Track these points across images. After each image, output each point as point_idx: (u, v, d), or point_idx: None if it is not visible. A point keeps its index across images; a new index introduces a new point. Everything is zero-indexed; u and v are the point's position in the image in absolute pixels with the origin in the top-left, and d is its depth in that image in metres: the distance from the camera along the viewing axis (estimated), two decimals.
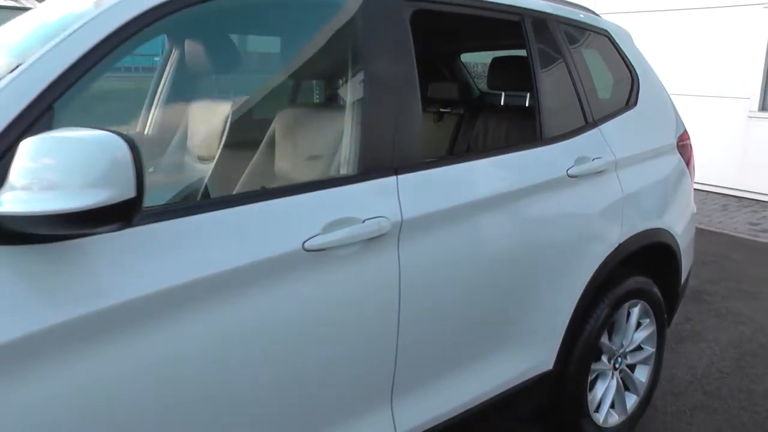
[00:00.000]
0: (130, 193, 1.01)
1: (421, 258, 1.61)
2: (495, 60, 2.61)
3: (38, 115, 1.15)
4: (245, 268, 1.30)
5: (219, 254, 1.29)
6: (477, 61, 5.14)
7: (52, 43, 1.21)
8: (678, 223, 2.58)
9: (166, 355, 1.23)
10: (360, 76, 1.62)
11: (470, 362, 1.85)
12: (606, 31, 2.54)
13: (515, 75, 2.51)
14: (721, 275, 4.55)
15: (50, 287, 1.11)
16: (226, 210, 1.31)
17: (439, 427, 1.78)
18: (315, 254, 1.41)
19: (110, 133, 1.01)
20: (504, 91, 2.89)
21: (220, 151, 1.81)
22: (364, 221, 1.49)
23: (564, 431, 2.36)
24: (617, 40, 2.58)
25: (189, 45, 1.94)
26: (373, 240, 1.51)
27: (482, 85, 3.53)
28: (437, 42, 3.24)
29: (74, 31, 1.23)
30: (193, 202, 1.67)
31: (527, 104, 2.69)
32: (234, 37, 2.06)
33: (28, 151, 1.03)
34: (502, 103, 2.95)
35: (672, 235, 2.51)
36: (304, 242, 1.39)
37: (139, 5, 1.29)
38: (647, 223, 2.39)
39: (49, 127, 1.15)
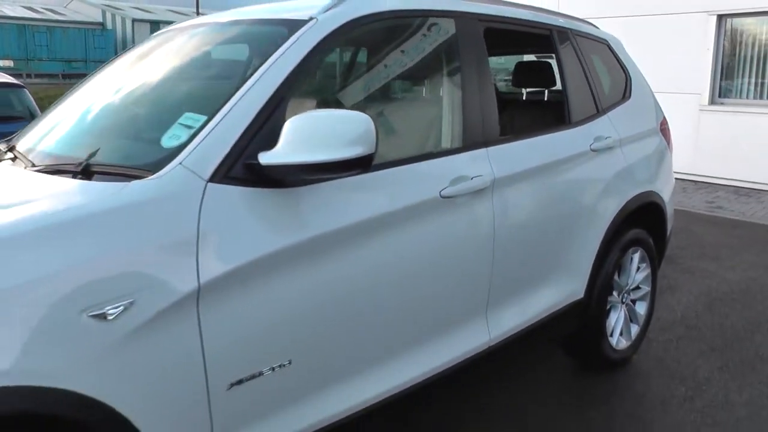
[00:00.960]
0: (372, 150, 1.61)
1: (506, 205, 2.26)
2: (520, 64, 3.28)
3: (279, 101, 1.71)
4: (409, 207, 1.91)
5: (388, 199, 1.89)
6: None
7: (280, 51, 1.78)
8: (664, 188, 3.30)
9: (357, 268, 1.81)
10: (458, 77, 2.25)
11: (534, 287, 2.50)
12: (605, 40, 3.25)
13: (538, 75, 3.18)
14: (687, 242, 5.36)
15: (285, 220, 1.65)
16: (395, 168, 1.91)
17: (514, 336, 2.42)
18: (446, 200, 2.03)
19: (361, 112, 1.61)
20: (527, 88, 3.57)
21: (392, 127, 2.31)
22: (472, 178, 2.12)
23: (587, 352, 3.03)
24: (614, 47, 3.29)
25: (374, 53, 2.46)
26: (478, 192, 2.14)
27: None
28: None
29: (290, 45, 1.80)
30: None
31: (545, 98, 3.36)
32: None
33: (295, 125, 1.59)
34: (524, 98, 3.63)
35: (660, 196, 3.23)
36: (441, 191, 2.01)
37: (333, 22, 1.87)
38: (643, 187, 3.09)
39: (283, 110, 1.71)
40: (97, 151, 1.72)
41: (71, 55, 41.09)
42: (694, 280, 4.46)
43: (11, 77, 6.20)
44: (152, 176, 1.52)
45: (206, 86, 2.01)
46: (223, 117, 1.63)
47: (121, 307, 1.35)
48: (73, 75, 37.35)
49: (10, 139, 2.31)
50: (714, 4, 7.59)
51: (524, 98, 3.64)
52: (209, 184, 1.54)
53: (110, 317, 1.34)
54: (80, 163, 1.64)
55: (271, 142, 1.62)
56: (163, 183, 1.50)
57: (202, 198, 1.52)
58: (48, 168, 1.73)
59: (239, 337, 1.56)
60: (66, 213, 1.38)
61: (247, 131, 1.62)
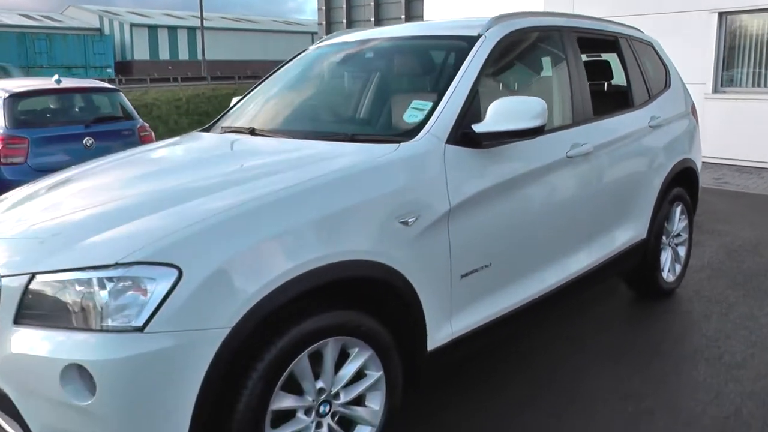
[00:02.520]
0: (545, 121, 2.50)
1: (601, 164, 3.16)
2: (586, 63, 4.18)
3: (476, 92, 2.60)
4: (552, 162, 2.81)
5: (543, 155, 2.78)
6: None
7: (470, 57, 2.66)
8: (696, 157, 4.23)
9: (528, 200, 2.69)
10: (567, 72, 3.15)
11: (616, 227, 3.40)
12: (650, 42, 4.17)
13: (602, 71, 4.07)
14: (702, 210, 6.28)
15: (486, 168, 2.54)
16: (544, 136, 2.76)
17: (605, 262, 3.31)
18: (569, 159, 2.93)
19: (537, 97, 2.49)
20: (593, 81, 4.47)
21: None
22: (582, 145, 3.03)
23: (645, 283, 3.95)
24: (656, 47, 4.21)
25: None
26: (586, 155, 3.05)
27: None
28: None
29: (475, 53, 2.69)
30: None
31: (605, 89, 4.27)
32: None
33: (497, 105, 2.46)
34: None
35: (695, 163, 4.16)
36: (566, 153, 2.92)
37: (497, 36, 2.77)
38: (683, 155, 4.01)
39: (479, 103, 2.60)
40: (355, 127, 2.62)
41: (71, 62, 41.66)
42: (713, 237, 5.40)
43: (105, 83, 7.05)
44: (412, 140, 2.41)
45: (420, 82, 2.91)
46: (447, 102, 2.52)
47: (414, 218, 2.24)
48: None
49: (217, 121, 3.28)
50: (716, 2, 8.56)
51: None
52: (446, 144, 2.43)
53: (409, 224, 2.23)
54: (351, 135, 2.54)
55: (473, 118, 2.52)
56: (421, 144, 2.39)
57: (444, 153, 2.41)
58: (329, 137, 2.62)
59: (465, 243, 2.44)
60: (374, 161, 2.27)
61: (461, 111, 2.52)
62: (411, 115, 2.56)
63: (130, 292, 1.71)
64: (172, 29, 49.43)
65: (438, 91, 2.60)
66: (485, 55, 2.70)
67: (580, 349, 3.36)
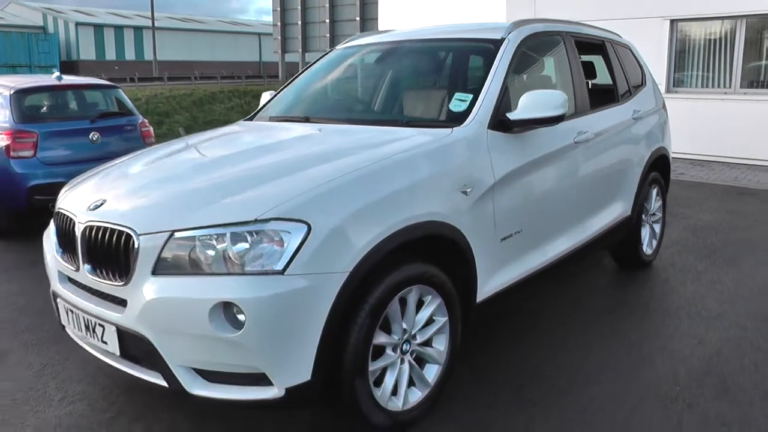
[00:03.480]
0: (566, 111, 2.99)
1: (598, 150, 3.69)
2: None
3: (506, 86, 3.07)
4: (558, 150, 3.31)
5: (558, 140, 3.28)
6: None
7: (498, 57, 3.14)
8: (668, 146, 4.85)
9: (549, 177, 3.19)
10: (569, 70, 3.67)
11: (608, 203, 3.94)
12: (628, 45, 4.75)
13: (588, 70, 4.62)
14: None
15: (518, 150, 3.03)
16: (560, 124, 3.26)
17: (602, 233, 3.85)
18: (576, 144, 3.43)
19: (560, 91, 2.98)
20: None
21: None
22: (584, 133, 3.54)
23: (629, 255, 4.52)
24: (632, 49, 4.80)
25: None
26: (587, 141, 3.56)
27: None
28: None
29: (503, 54, 3.16)
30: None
31: (589, 86, 4.83)
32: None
33: (527, 97, 2.93)
34: None
35: (667, 150, 4.77)
36: (574, 139, 3.42)
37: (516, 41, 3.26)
38: (659, 144, 4.62)
39: (509, 95, 3.07)
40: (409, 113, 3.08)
41: (15, 61, 40.09)
42: (678, 220, 6.07)
43: (104, 80, 7.21)
44: (462, 125, 2.86)
45: (457, 77, 3.36)
46: (486, 94, 2.98)
47: (470, 189, 2.69)
48: None
49: (257, 113, 3.68)
50: (668, 10, 9.37)
51: None
52: (487, 129, 2.90)
53: (467, 194, 2.68)
54: (406, 121, 2.97)
55: (506, 108, 3.00)
56: (469, 129, 2.85)
57: (487, 137, 2.87)
58: (385, 123, 3.05)
59: (504, 212, 2.91)
60: (439, 141, 2.71)
61: (497, 101, 2.99)
62: (456, 105, 3.01)
63: (268, 243, 2.09)
64: (119, 29, 48.29)
65: (476, 85, 3.06)
66: (510, 55, 3.18)
67: (580, 308, 3.89)
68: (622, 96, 4.30)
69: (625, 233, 4.31)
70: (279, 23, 32.98)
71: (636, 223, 4.37)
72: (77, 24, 45.53)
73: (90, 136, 6.06)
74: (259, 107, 3.88)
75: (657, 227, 4.81)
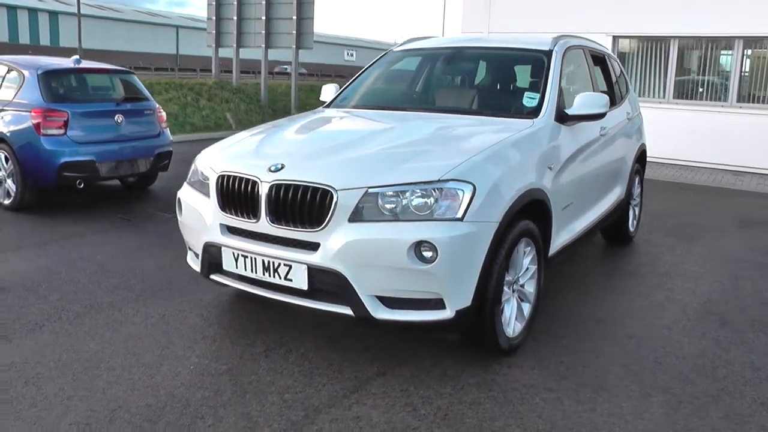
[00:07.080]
0: (608, 109, 3.82)
1: (612, 142, 4.58)
2: None
3: (560, 89, 3.87)
4: (591, 141, 4.14)
5: (590, 133, 4.12)
6: None
7: (551, 65, 3.93)
8: (646, 143, 5.87)
9: (591, 161, 4.02)
10: (590, 76, 4.53)
11: (612, 188, 4.85)
12: (616, 59, 5.72)
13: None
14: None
15: (571, 138, 3.81)
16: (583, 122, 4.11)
17: (607, 213, 4.74)
18: (601, 136, 4.29)
19: (602, 93, 3.81)
20: None
21: None
22: (606, 128, 4.41)
23: (617, 233, 5.47)
24: (618, 62, 5.77)
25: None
26: (607, 135, 4.44)
27: None
28: None
29: (554, 63, 3.96)
30: None
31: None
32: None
33: (581, 97, 3.74)
34: None
35: (645, 147, 5.79)
36: (600, 132, 4.28)
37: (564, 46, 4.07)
38: (641, 141, 5.62)
39: (561, 92, 3.87)
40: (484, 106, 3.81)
41: None
42: (653, 202, 7.16)
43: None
44: (539, 117, 3.62)
45: (520, 78, 4.11)
46: (549, 94, 3.77)
47: (554, 164, 3.46)
48: None
49: (329, 105, 4.31)
50: (610, 28, 10.64)
51: None
52: (553, 122, 3.68)
53: (552, 169, 3.44)
54: (492, 112, 3.71)
55: (563, 106, 3.80)
56: (544, 119, 3.62)
57: (555, 127, 3.66)
58: (473, 113, 3.78)
59: (564, 187, 3.70)
60: (531, 128, 3.47)
61: (558, 99, 3.78)
62: (527, 102, 3.78)
63: (448, 197, 2.76)
64: (33, 12, 45.54)
65: (540, 86, 3.85)
66: (560, 62, 4.00)
67: (588, 272, 4.78)
68: (618, 100, 5.24)
69: (620, 212, 5.26)
70: (214, 17, 32.46)
71: (626, 204, 5.32)
72: None
73: (115, 118, 6.32)
74: (332, 98, 4.45)
75: (637, 210, 5.81)
